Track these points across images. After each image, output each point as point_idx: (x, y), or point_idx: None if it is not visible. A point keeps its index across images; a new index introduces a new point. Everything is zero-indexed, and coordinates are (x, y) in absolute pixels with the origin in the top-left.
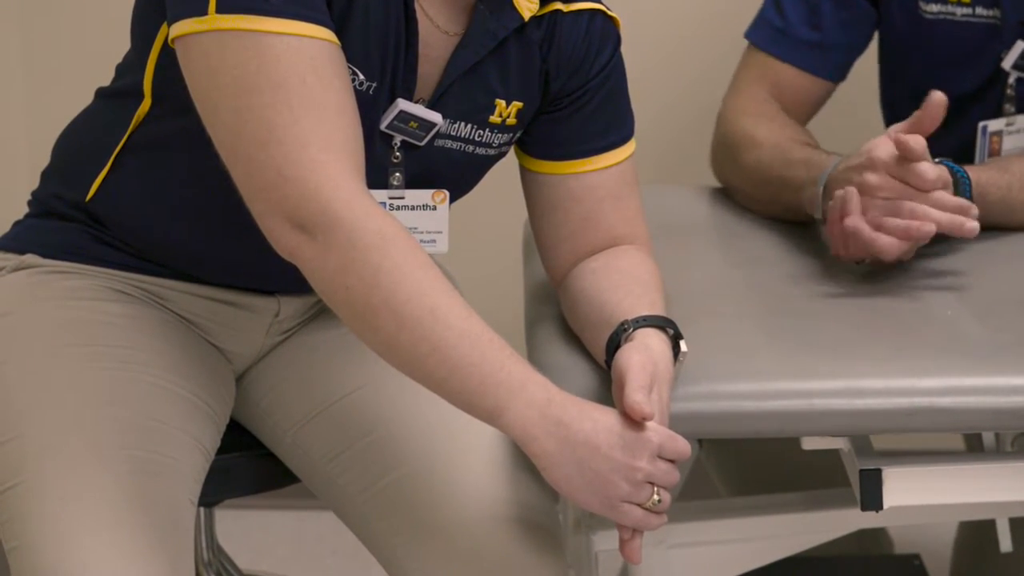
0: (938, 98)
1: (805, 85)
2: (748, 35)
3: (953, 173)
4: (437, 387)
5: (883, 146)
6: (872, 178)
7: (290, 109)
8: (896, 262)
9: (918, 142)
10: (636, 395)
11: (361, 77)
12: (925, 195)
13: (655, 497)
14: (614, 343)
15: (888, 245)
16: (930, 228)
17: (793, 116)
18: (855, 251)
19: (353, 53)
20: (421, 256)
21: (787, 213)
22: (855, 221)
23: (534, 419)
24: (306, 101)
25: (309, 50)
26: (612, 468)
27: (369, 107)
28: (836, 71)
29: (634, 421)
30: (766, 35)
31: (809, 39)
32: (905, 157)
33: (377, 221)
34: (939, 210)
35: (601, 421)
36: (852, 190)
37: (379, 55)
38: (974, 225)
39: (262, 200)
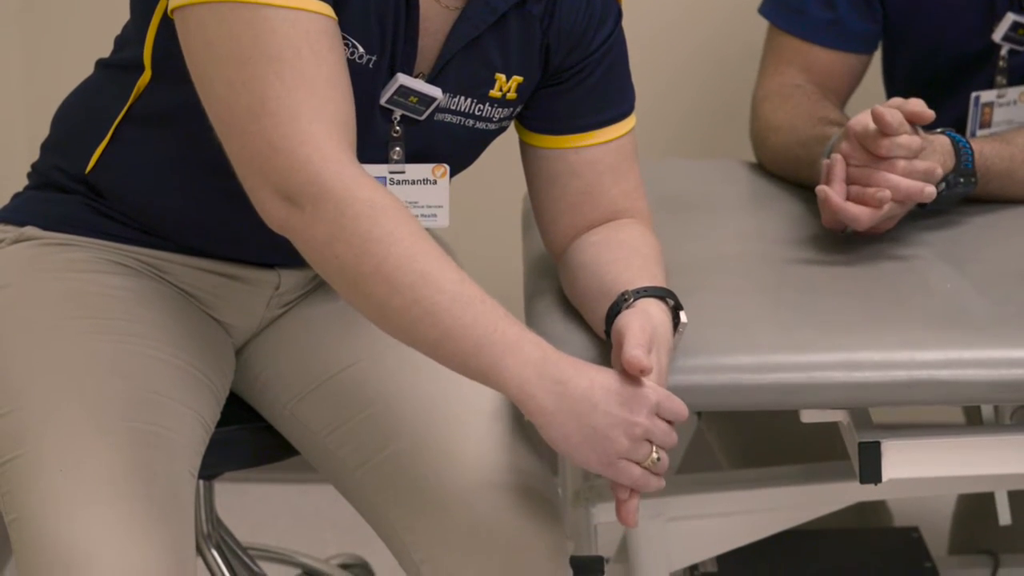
0: (927, 115)
1: (833, 61)
2: (764, 12)
3: (955, 143)
4: (431, 351)
5: (860, 118)
6: (844, 146)
7: (282, 81)
8: (874, 232)
9: (894, 116)
10: (634, 350)
11: (361, 50)
12: (890, 163)
13: (654, 455)
14: (614, 313)
15: (856, 213)
16: (885, 194)
17: (831, 92)
18: (829, 218)
19: (353, 26)
20: (412, 224)
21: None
22: (824, 189)
23: (531, 377)
24: (299, 74)
25: (305, 23)
26: (610, 423)
27: (369, 81)
28: (861, 43)
29: (632, 378)
30: (784, 15)
31: (825, 17)
32: (883, 131)
33: (367, 191)
34: (903, 177)
35: (598, 378)
36: (837, 157)
37: (379, 29)
38: (931, 190)
39: (252, 172)
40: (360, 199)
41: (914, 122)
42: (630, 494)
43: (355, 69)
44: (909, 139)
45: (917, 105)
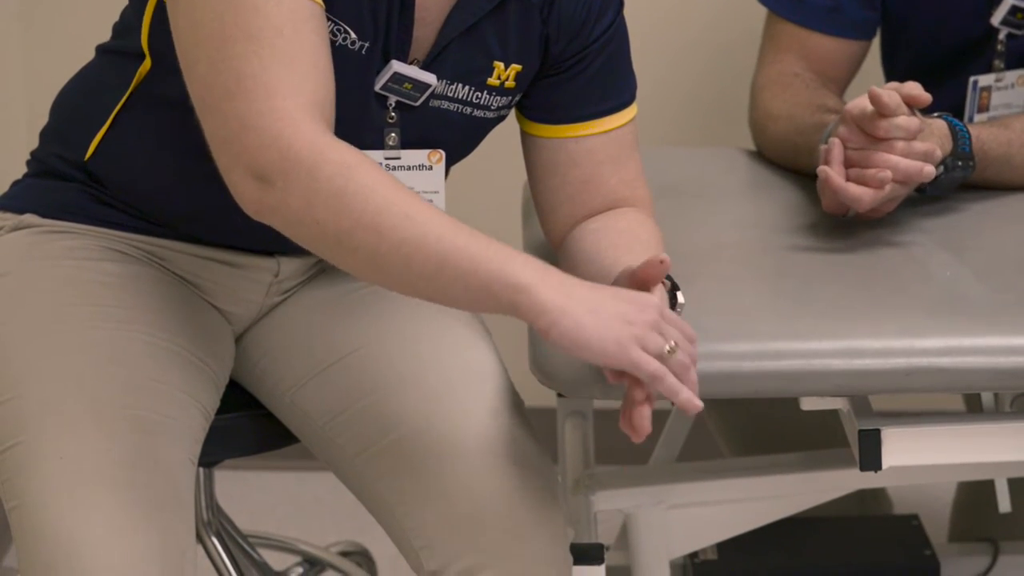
0: (924, 98)
1: (832, 48)
2: (764, 1)
3: (952, 128)
4: (431, 284)
5: (857, 101)
6: (841, 130)
7: (260, 59)
8: (875, 214)
9: (891, 97)
10: (648, 268)
11: (353, 36)
12: (889, 144)
13: (670, 344)
14: None
15: (858, 193)
16: (885, 175)
17: (830, 80)
18: (830, 201)
19: (345, 12)
20: (387, 176)
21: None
22: (825, 169)
23: (534, 278)
24: (278, 52)
25: (290, 4)
26: (621, 310)
27: (362, 67)
28: (859, 30)
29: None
30: (783, 2)
31: (824, 4)
32: (880, 113)
33: (337, 152)
34: (901, 157)
35: (599, 285)
36: (836, 141)
37: (372, 15)
38: (931, 170)
39: (225, 153)
40: (331, 160)
41: (911, 105)
42: (645, 397)
43: (347, 55)
44: (907, 120)
45: (914, 88)
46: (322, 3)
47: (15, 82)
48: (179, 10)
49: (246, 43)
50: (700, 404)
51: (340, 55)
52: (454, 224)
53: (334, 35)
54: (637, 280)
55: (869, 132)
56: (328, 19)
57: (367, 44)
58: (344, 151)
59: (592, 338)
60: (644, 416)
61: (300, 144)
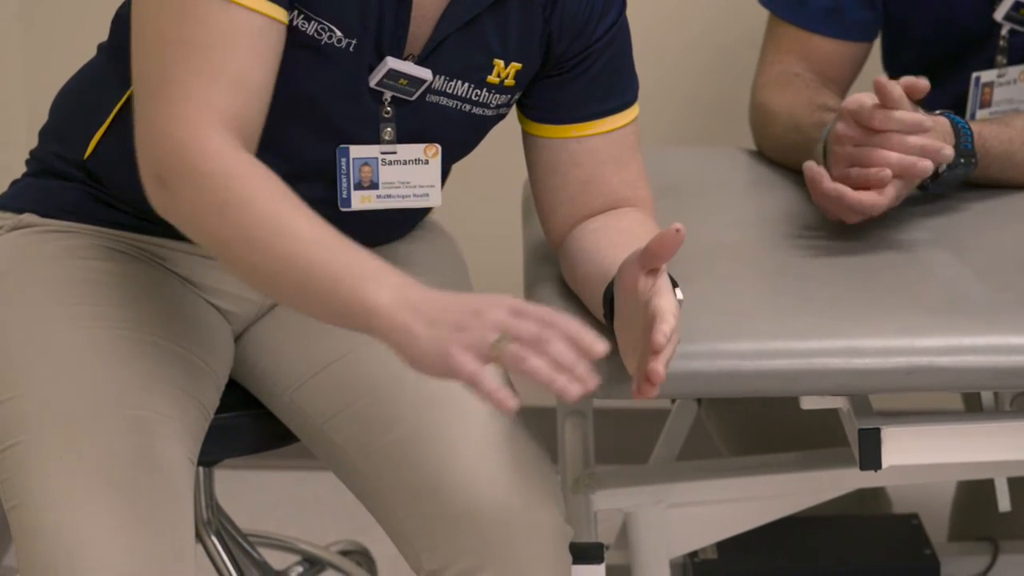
0: (923, 85)
1: (833, 50)
2: (764, 1)
3: (955, 124)
4: (297, 297)
5: (854, 97)
6: (840, 127)
7: (187, 67)
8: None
9: (894, 88)
10: (662, 239)
11: (339, 34)
12: (886, 138)
13: (495, 338)
14: (610, 293)
15: (871, 201)
16: (885, 174)
17: (831, 81)
18: (843, 215)
19: (328, 10)
20: (270, 187)
21: None
22: (838, 188)
23: (387, 298)
24: (205, 64)
25: (235, 20)
26: (458, 318)
27: (351, 64)
28: (861, 32)
29: None
30: (784, 4)
31: (825, 6)
32: (883, 103)
33: (226, 163)
34: (899, 152)
35: (455, 296)
36: (809, 164)
37: (360, 12)
38: (926, 164)
39: (140, 155)
40: (215, 171)
41: (911, 95)
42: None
43: (333, 53)
44: (904, 114)
45: (910, 79)
46: (284, 18)
47: (15, 82)
48: (137, 7)
49: (177, 48)
50: (514, 405)
51: (326, 54)
52: (324, 239)
53: (319, 34)
54: (650, 254)
55: (866, 125)
56: (311, 19)
57: (354, 41)
58: (233, 162)
59: (423, 353)
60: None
61: (195, 153)
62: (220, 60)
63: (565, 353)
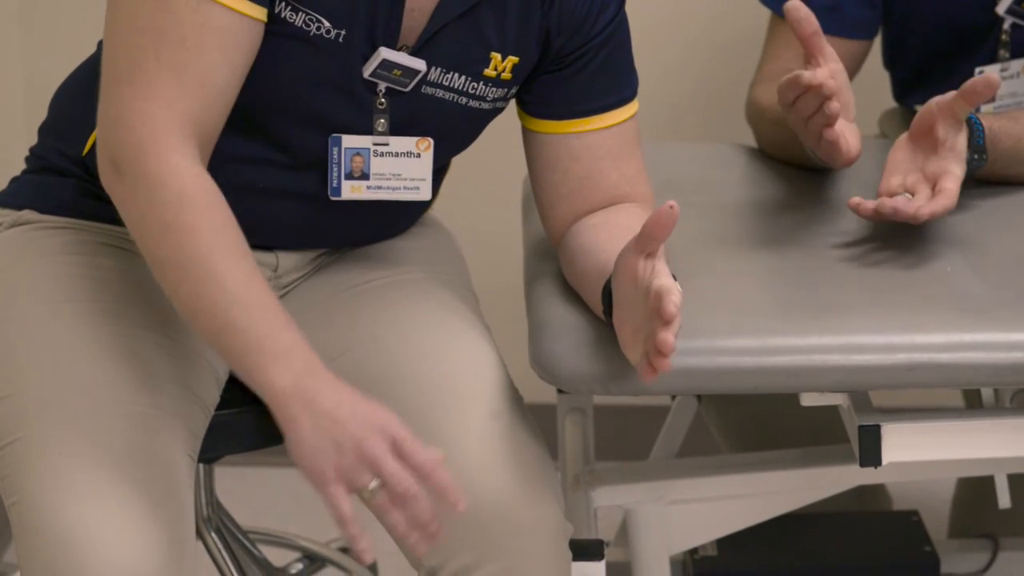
0: (992, 80)
1: (834, 47)
2: (765, 1)
3: (969, 121)
4: (211, 342)
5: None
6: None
7: (156, 59)
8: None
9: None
10: (656, 218)
11: (327, 25)
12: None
13: (373, 485)
14: (608, 288)
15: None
16: (835, 106)
17: None
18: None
19: (313, 1)
20: (216, 218)
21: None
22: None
23: (286, 386)
24: (175, 60)
25: (207, 16)
26: (343, 435)
27: (341, 55)
28: (861, 30)
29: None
30: (784, 2)
31: (825, 4)
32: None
33: (180, 181)
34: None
35: (349, 400)
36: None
37: (347, 2)
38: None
39: (99, 133)
40: (170, 188)
41: (980, 96)
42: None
43: (322, 44)
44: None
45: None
46: (262, 15)
47: (14, 81)
48: None
49: (151, 37)
50: (368, 559)
51: (315, 45)
52: (248, 300)
53: (307, 25)
54: (646, 235)
55: (796, 85)
56: (298, 10)
57: (343, 32)
58: (186, 180)
59: (304, 460)
60: (667, 341)
61: (151, 160)
62: (189, 58)
63: (426, 513)
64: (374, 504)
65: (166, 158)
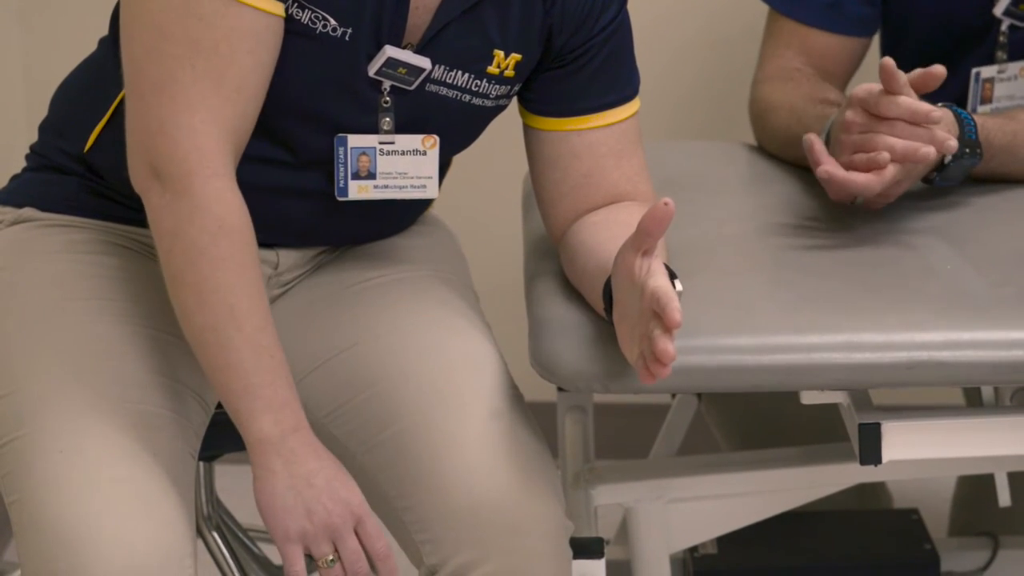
0: (938, 71)
1: (832, 45)
2: None
3: (957, 116)
4: (209, 373)
5: (863, 85)
6: (848, 114)
7: (193, 69)
8: (883, 200)
9: (901, 74)
10: (652, 214)
11: (333, 23)
12: (891, 125)
13: (330, 558)
14: (609, 287)
15: (864, 181)
16: (883, 156)
17: (830, 76)
18: (839, 195)
19: (321, 0)
20: (249, 256)
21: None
22: (826, 169)
23: (273, 438)
24: (211, 68)
25: (236, 19)
26: (314, 503)
27: (346, 53)
28: (860, 27)
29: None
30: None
31: (824, 0)
32: (889, 89)
33: (223, 207)
34: (901, 138)
35: (330, 469)
36: (811, 136)
37: (352, 1)
38: (928, 150)
39: (136, 140)
40: (213, 214)
41: (926, 86)
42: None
43: (328, 42)
44: (910, 101)
45: (920, 70)
46: (282, 11)
47: (15, 79)
48: None
49: (184, 46)
50: None
51: (321, 43)
52: (262, 342)
53: (313, 23)
54: (642, 232)
55: (873, 112)
56: (304, 7)
57: (349, 30)
58: (228, 206)
59: (273, 514)
60: (668, 351)
61: (198, 177)
62: (222, 65)
63: None
64: (326, 573)
65: (213, 181)
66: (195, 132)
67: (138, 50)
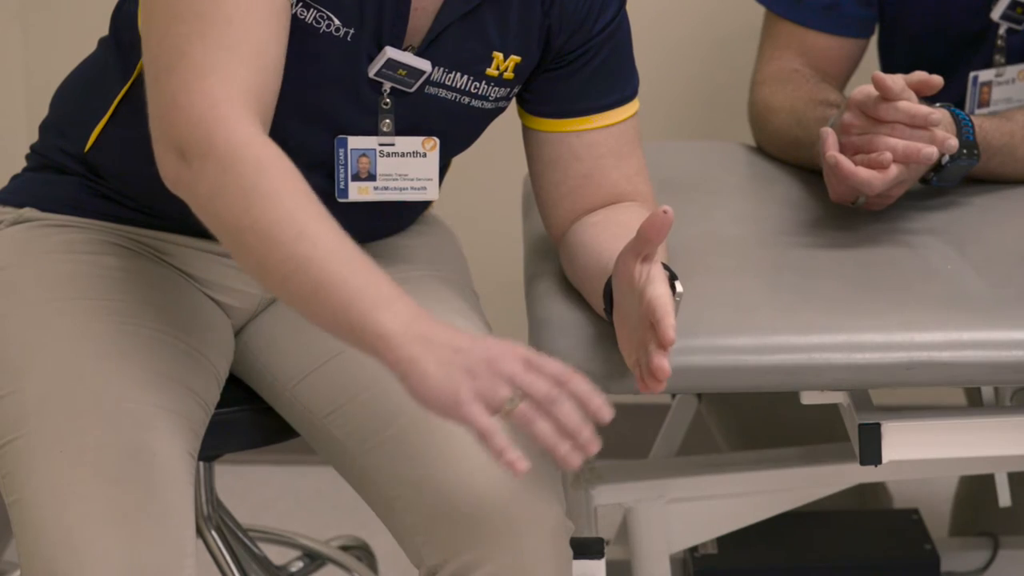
0: (936, 82)
1: (830, 46)
2: (762, 0)
3: (955, 117)
4: (305, 305)
5: (862, 88)
6: (847, 116)
7: (203, 40)
8: (884, 201)
9: (895, 81)
10: (651, 222)
11: (337, 23)
12: (891, 127)
13: (513, 401)
14: (609, 288)
15: (867, 177)
16: (886, 156)
17: (829, 77)
18: (837, 190)
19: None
20: (296, 183)
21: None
22: (835, 155)
23: (397, 331)
24: (222, 38)
25: None
26: (471, 362)
27: (349, 54)
28: (857, 28)
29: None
30: (781, 1)
31: (822, 2)
32: (884, 97)
33: (256, 149)
34: (901, 139)
35: (465, 334)
36: (827, 130)
37: (357, 1)
38: (931, 150)
39: (156, 127)
40: (246, 157)
41: (920, 93)
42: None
43: (331, 42)
44: (909, 104)
45: (920, 75)
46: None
47: (15, 78)
48: None
49: (193, 23)
50: (524, 468)
51: (324, 42)
52: (344, 252)
53: (317, 22)
54: (641, 239)
55: (872, 116)
56: (310, 6)
57: (352, 31)
58: (261, 149)
59: (432, 391)
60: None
61: (220, 133)
62: (236, 34)
63: (572, 417)
64: (516, 415)
65: (234, 128)
66: (208, 94)
67: (152, 44)
